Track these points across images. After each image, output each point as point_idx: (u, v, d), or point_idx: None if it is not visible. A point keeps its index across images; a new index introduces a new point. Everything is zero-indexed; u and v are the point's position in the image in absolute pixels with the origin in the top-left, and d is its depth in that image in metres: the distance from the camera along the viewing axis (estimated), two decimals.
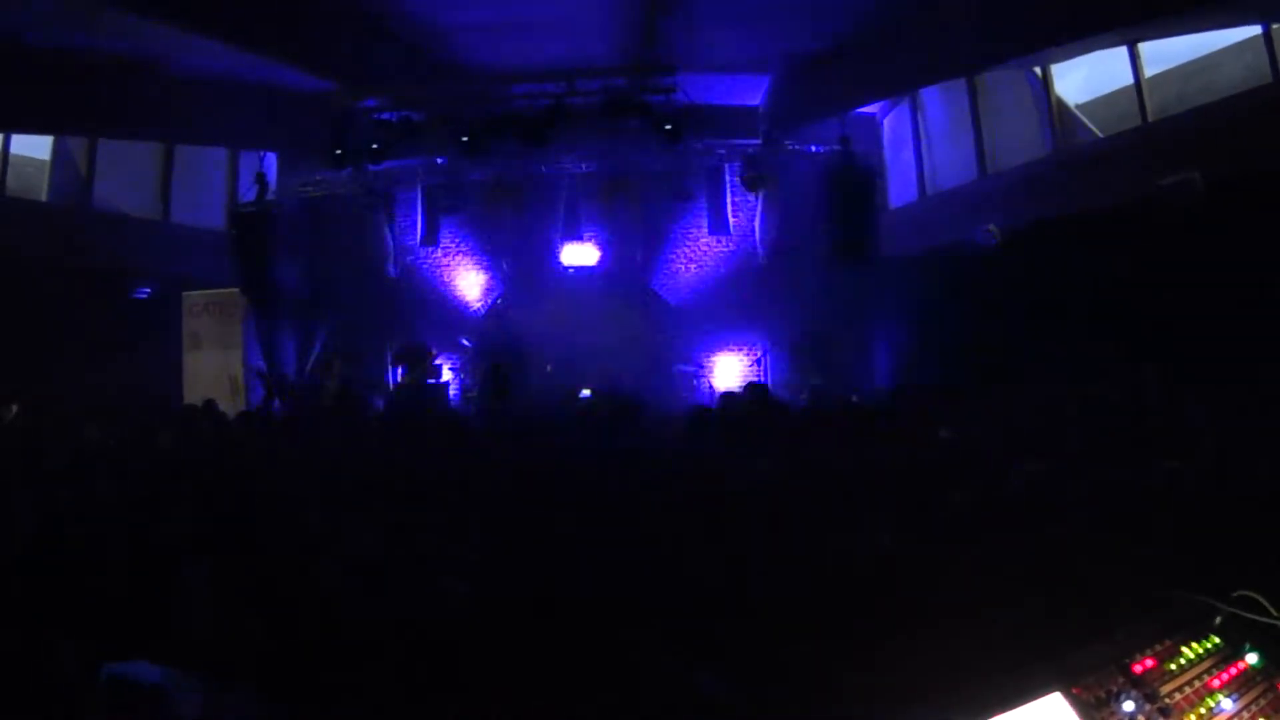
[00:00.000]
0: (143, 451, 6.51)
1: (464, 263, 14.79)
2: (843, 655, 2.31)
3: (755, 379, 13.68)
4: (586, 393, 11.87)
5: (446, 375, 13.89)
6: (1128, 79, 10.55)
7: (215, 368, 13.85)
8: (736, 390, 9.71)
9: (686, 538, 3.43)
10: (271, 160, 14.33)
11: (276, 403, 12.71)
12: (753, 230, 14.24)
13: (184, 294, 13.81)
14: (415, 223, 14.80)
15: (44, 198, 12.78)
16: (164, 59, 11.72)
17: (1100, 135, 11.03)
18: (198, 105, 12.45)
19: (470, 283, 14.76)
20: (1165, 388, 7.35)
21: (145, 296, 13.25)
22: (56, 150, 12.87)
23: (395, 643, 2.50)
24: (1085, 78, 11.48)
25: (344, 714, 2.18)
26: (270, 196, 13.55)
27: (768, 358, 13.78)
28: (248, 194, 13.50)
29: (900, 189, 13.92)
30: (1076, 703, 1.63)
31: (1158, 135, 10.02)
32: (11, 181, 12.41)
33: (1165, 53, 10.37)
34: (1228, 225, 8.33)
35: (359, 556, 3.20)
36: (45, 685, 1.58)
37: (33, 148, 12.75)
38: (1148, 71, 10.38)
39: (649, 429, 7.30)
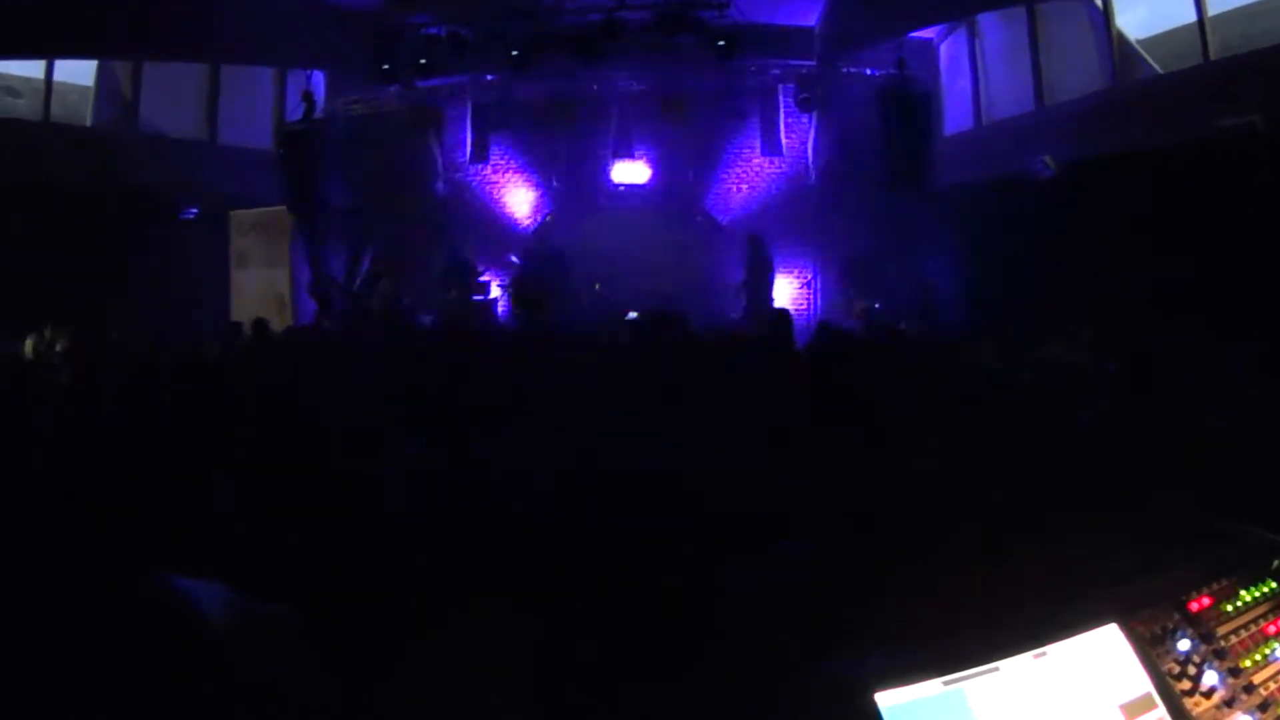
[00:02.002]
0: (189, 368, 6.62)
1: (513, 180, 14.65)
2: (898, 577, 2.33)
3: (805, 301, 14.04)
4: (634, 315, 11.67)
5: (495, 292, 14.03)
6: (1191, 16, 10.58)
7: (263, 286, 13.90)
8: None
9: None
10: (319, 79, 14.05)
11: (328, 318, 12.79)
12: (805, 152, 14.15)
13: (231, 213, 13.70)
14: (464, 140, 14.59)
15: (90, 123, 12.50)
16: None
17: (1160, 72, 11.16)
18: (243, 25, 12.24)
19: (519, 200, 14.66)
20: (1215, 333, 7.56)
21: (192, 217, 13.15)
22: (100, 76, 12.57)
23: (436, 556, 2.57)
24: (1148, 12, 11.46)
25: (383, 634, 2.20)
26: (318, 115, 13.34)
27: (817, 280, 13.96)
28: (295, 113, 13.29)
29: (955, 116, 13.95)
30: (1133, 635, 1.61)
31: (1219, 75, 10.02)
32: (57, 109, 12.19)
33: None
34: None
35: (401, 470, 3.33)
36: (76, 589, 1.46)
37: (77, 74, 12.51)
38: (1211, 10, 10.45)
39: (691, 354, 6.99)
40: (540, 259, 13.44)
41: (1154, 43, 11.43)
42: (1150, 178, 9.75)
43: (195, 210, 13.13)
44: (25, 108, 11.90)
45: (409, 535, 2.75)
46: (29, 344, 9.71)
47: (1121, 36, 11.44)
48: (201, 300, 12.93)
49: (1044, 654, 1.51)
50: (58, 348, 10.59)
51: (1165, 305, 9.12)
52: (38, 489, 2.32)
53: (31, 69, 11.92)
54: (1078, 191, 10.67)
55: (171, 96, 13.39)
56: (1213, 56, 10.32)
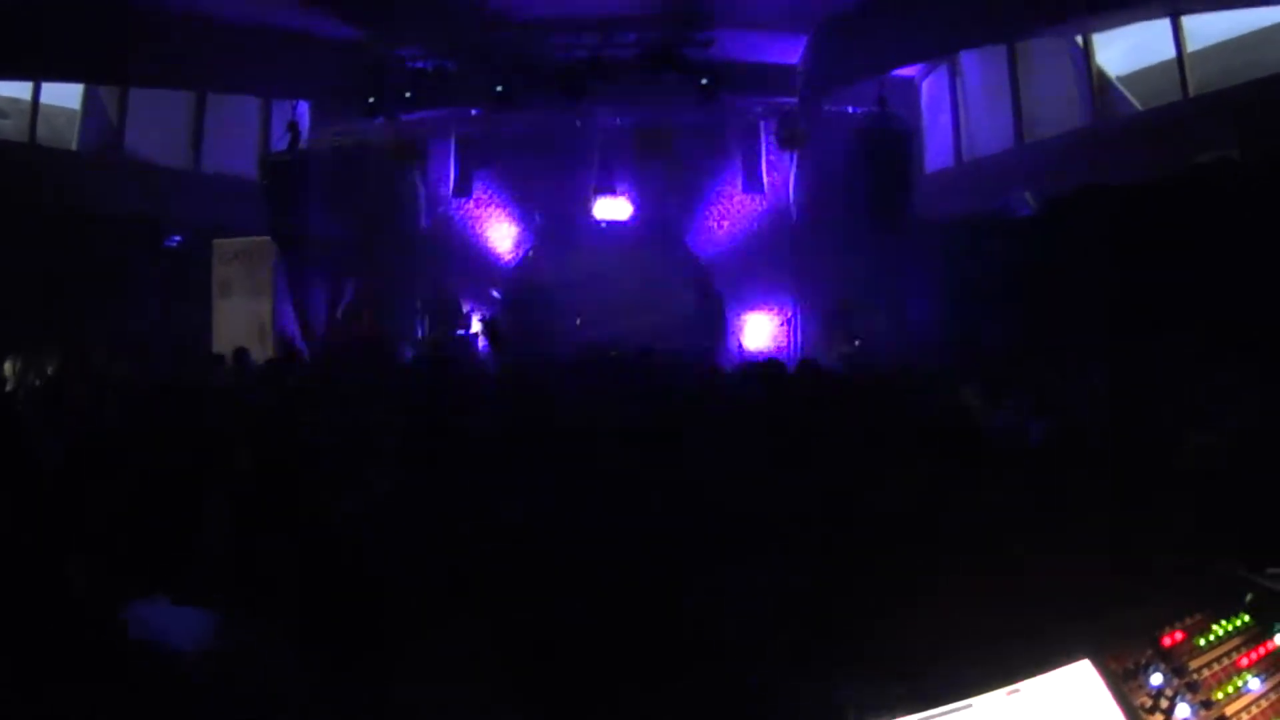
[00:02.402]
0: (170, 393, 6.55)
1: (496, 214, 14.71)
2: (874, 613, 2.36)
3: (785, 339, 13.91)
4: (614, 353, 11.72)
5: (476, 327, 13.97)
6: (1170, 52, 10.59)
7: (245, 315, 13.86)
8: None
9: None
10: (304, 109, 14.16)
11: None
12: (787, 189, 14.19)
13: (214, 241, 13.77)
14: (448, 173, 14.67)
15: (74, 146, 12.66)
16: (197, 6, 11.58)
17: (1140, 108, 11.11)
18: (230, 53, 12.38)
19: (502, 234, 14.69)
20: (1197, 362, 7.46)
21: (175, 245, 13.18)
22: (87, 99, 12.74)
23: (416, 580, 2.58)
24: (1127, 49, 11.50)
25: (368, 651, 2.20)
26: (303, 145, 13.43)
27: (797, 318, 13.90)
28: (280, 143, 13.37)
29: (936, 153, 13.96)
30: (1106, 672, 1.63)
31: (1198, 111, 10.08)
32: (42, 130, 12.30)
33: (1208, 28, 10.41)
34: (1266, 205, 8.31)
35: (380, 497, 3.34)
36: (61, 621, 1.57)
37: (64, 97, 12.63)
38: (1190, 46, 10.43)
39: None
40: (522, 294, 13.44)
41: (1134, 79, 11.44)
42: (1130, 213, 9.73)
43: (179, 238, 13.17)
44: (11, 129, 12.01)
45: (390, 563, 2.74)
46: (8, 367, 9.68)
47: (1101, 73, 11.47)
48: (183, 328, 12.91)
49: (1017, 690, 1.54)
50: (38, 372, 10.53)
51: (1146, 339, 9.00)
52: (19, 514, 2.28)
53: (19, 90, 12.00)
54: (1058, 228, 10.63)
55: (157, 122, 13.46)
56: (1192, 92, 10.31)
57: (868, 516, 3.15)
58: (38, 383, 9.70)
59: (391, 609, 2.43)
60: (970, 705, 1.48)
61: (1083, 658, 1.63)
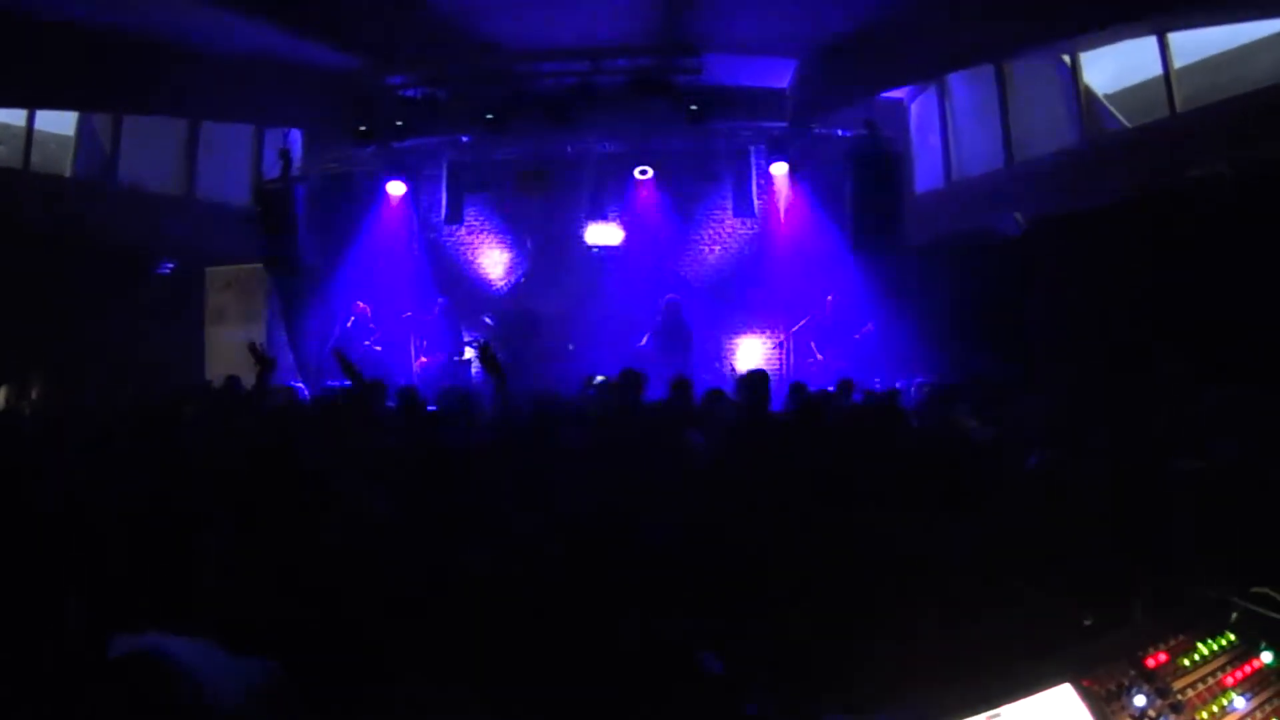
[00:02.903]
0: (162, 424, 6.53)
1: (488, 241, 14.76)
2: (853, 643, 2.35)
3: (778, 363, 13.84)
4: (600, 378, 11.65)
5: (469, 354, 13.95)
6: (1157, 69, 10.55)
7: (238, 342, 13.91)
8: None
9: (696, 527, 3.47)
10: (296, 137, 14.26)
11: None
12: (778, 213, 14.19)
13: (207, 269, 13.85)
14: (439, 200, 14.74)
15: (68, 173, 12.78)
16: (190, 35, 11.68)
17: (1128, 125, 11.04)
18: (222, 82, 12.46)
19: (494, 261, 14.74)
20: (1188, 382, 7.36)
21: (168, 272, 13.26)
22: (81, 126, 12.86)
23: (412, 613, 2.56)
24: (1114, 67, 11.47)
25: (361, 687, 2.21)
26: (295, 173, 13.51)
27: (791, 341, 13.81)
28: (272, 170, 13.47)
29: (926, 175, 13.92)
30: (1087, 695, 1.62)
31: (1186, 127, 10.05)
32: (36, 157, 12.41)
33: (1195, 44, 10.37)
34: (1256, 219, 8.31)
35: (376, 530, 3.31)
36: (52, 657, 1.58)
37: (57, 124, 12.73)
38: (1177, 63, 10.38)
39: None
40: (514, 320, 13.41)
41: (1121, 97, 11.39)
42: (1121, 231, 9.73)
43: (171, 264, 13.25)
44: (5, 155, 12.14)
45: (385, 592, 2.76)
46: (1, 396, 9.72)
47: (1089, 91, 11.43)
48: (176, 355, 12.94)
49: (997, 715, 1.53)
50: (30, 401, 10.58)
51: (1137, 357, 8.91)
52: (12, 549, 2.40)
53: (13, 116, 12.12)
54: (1048, 247, 10.63)
55: (151, 149, 13.54)
56: (1179, 108, 10.21)
57: (849, 546, 3.13)
58: (29, 412, 9.74)
59: (378, 642, 2.41)
60: None
61: (1064, 681, 1.63)
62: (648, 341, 12.93)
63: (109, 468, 4.62)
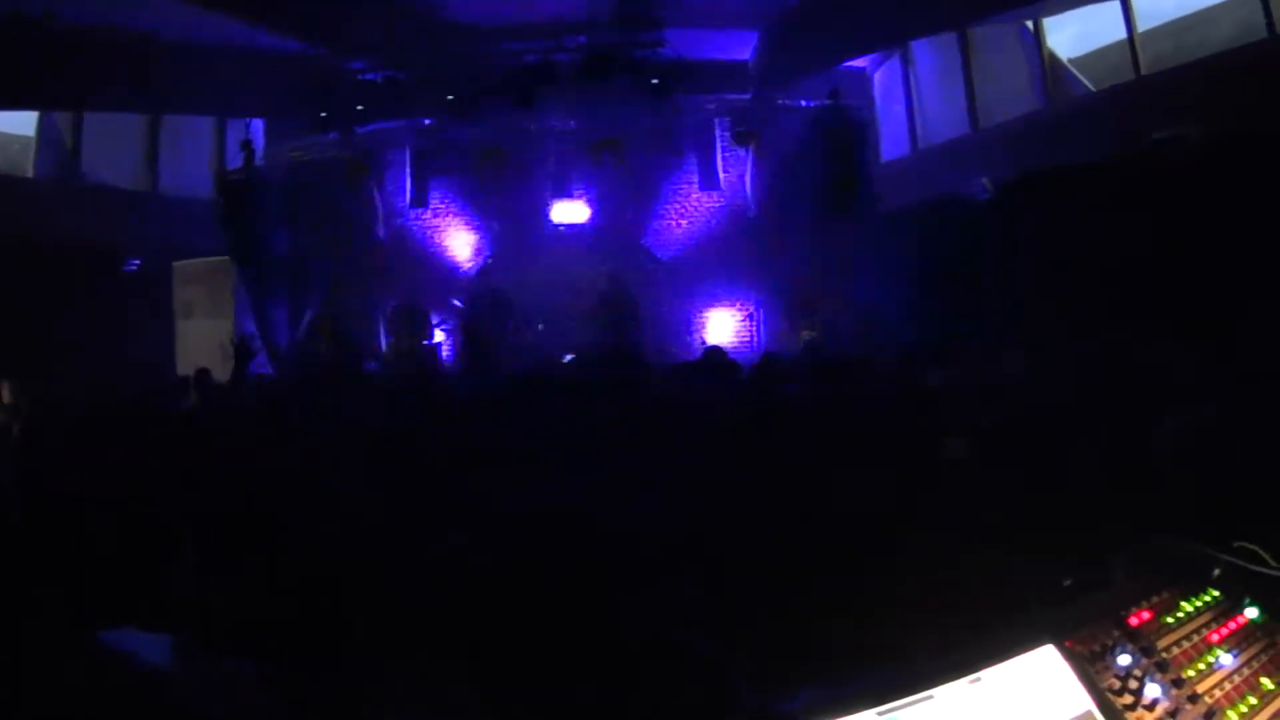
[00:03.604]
0: (135, 421, 6.51)
1: (454, 223, 14.61)
2: (830, 608, 2.33)
3: (748, 334, 13.84)
4: (570, 356, 11.52)
5: (439, 336, 13.90)
6: (1121, 34, 10.55)
7: (208, 336, 13.85)
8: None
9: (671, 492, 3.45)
10: (258, 127, 14.10)
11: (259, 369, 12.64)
12: (744, 186, 14.09)
13: (174, 264, 13.73)
14: (404, 185, 14.58)
15: (30, 174, 12.62)
16: (147, 27, 11.50)
17: (1093, 89, 11.02)
18: (182, 74, 12.27)
19: (461, 243, 14.60)
20: (1159, 344, 7.38)
21: (135, 268, 13.13)
22: (42, 126, 12.69)
23: (391, 610, 2.52)
24: (1078, 32, 11.49)
25: (341, 682, 2.18)
26: (258, 163, 13.36)
27: (760, 312, 13.81)
28: (235, 162, 13.33)
29: (892, 143, 13.91)
30: (1070, 655, 1.60)
31: (1151, 90, 10.08)
32: None
33: (1158, 8, 10.36)
34: (1221, 180, 8.31)
35: (355, 521, 3.24)
36: (30, 651, 1.58)
37: (18, 124, 12.58)
38: (1141, 26, 10.37)
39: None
40: (483, 301, 13.33)
41: (1086, 61, 11.43)
42: (1088, 194, 9.73)
43: (137, 262, 13.12)
44: None
45: (366, 587, 2.69)
46: None
47: (1053, 56, 11.43)
48: (145, 352, 12.85)
49: (979, 679, 1.51)
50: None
51: (1108, 318, 8.96)
52: None
53: None
54: (1016, 211, 10.62)
55: (112, 146, 13.40)
56: (1144, 71, 10.18)
57: (825, 511, 3.09)
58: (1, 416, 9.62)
59: (357, 633, 2.39)
60: (932, 696, 1.45)
61: (1046, 642, 1.59)
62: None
63: (86, 465, 4.58)
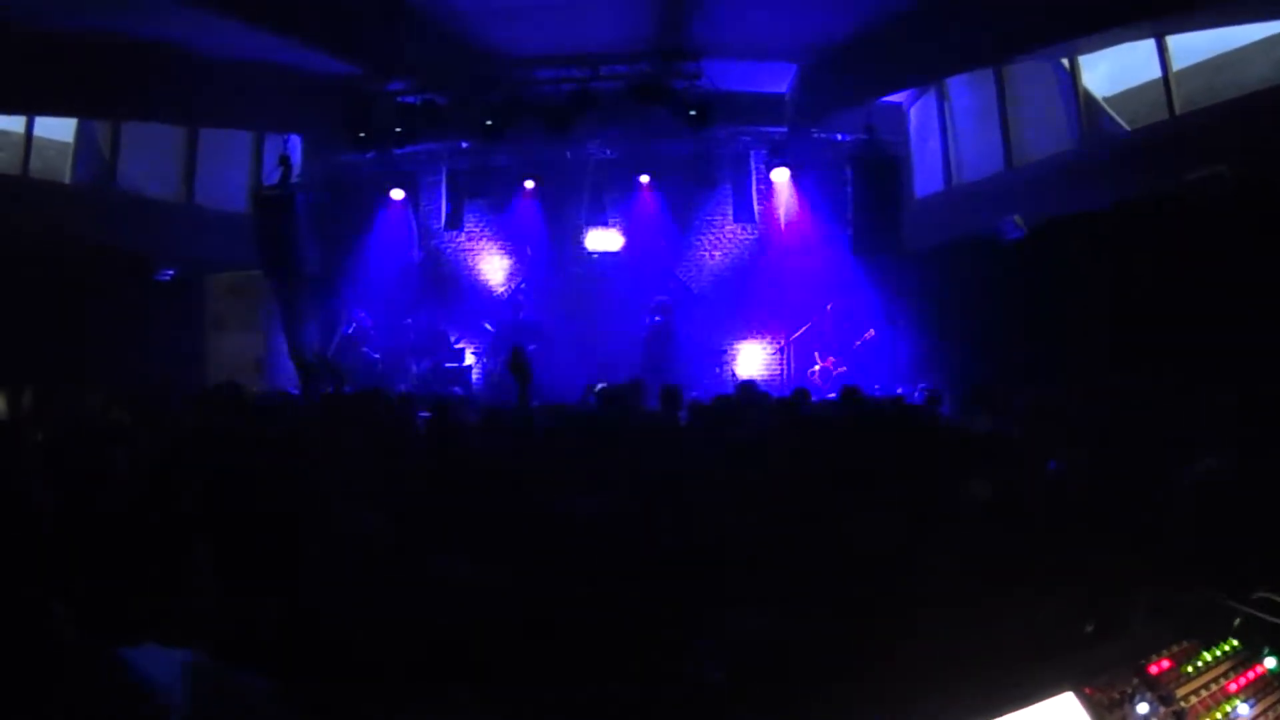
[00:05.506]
0: (162, 432, 6.48)
1: (488, 247, 14.79)
2: (852, 648, 2.33)
3: (778, 369, 13.84)
4: (601, 386, 11.56)
5: (469, 359, 13.96)
6: (1155, 72, 10.54)
7: (239, 349, 13.94)
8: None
9: (687, 524, 3.46)
10: (296, 143, 14.24)
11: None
12: (778, 218, 14.23)
13: (208, 276, 13.84)
14: (439, 207, 14.76)
15: (67, 180, 12.76)
16: (188, 42, 11.65)
17: (1127, 128, 11.04)
18: (222, 88, 12.39)
19: (494, 267, 14.77)
20: (1188, 387, 7.31)
21: (168, 279, 13.23)
22: (80, 132, 12.82)
23: (405, 629, 2.51)
24: (1112, 70, 11.47)
25: (356, 700, 2.18)
26: (294, 179, 13.50)
27: (791, 346, 13.82)
28: (272, 177, 13.46)
29: (926, 179, 13.91)
30: (1089, 703, 1.61)
31: (1185, 129, 10.03)
32: (35, 163, 12.35)
33: (1193, 47, 10.37)
34: (1257, 221, 8.34)
35: (371, 541, 3.20)
36: (46, 665, 1.52)
37: (57, 130, 12.69)
38: (1175, 65, 10.38)
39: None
40: (514, 327, 13.40)
41: (1120, 100, 11.38)
42: (1121, 234, 9.80)
43: (171, 272, 13.22)
44: (4, 162, 12.10)
45: (381, 605, 2.68)
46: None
47: (1088, 94, 11.43)
48: (177, 363, 12.89)
49: None
50: (30, 409, 10.53)
51: (1136, 361, 8.90)
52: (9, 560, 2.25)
53: (12, 123, 12.05)
54: (1049, 250, 10.67)
55: (150, 156, 13.53)
56: (1178, 111, 10.20)
57: (850, 554, 3.09)
58: (29, 419, 9.67)
59: (379, 665, 2.35)
60: None
61: (1066, 689, 1.60)
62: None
63: (104, 474, 4.51)
